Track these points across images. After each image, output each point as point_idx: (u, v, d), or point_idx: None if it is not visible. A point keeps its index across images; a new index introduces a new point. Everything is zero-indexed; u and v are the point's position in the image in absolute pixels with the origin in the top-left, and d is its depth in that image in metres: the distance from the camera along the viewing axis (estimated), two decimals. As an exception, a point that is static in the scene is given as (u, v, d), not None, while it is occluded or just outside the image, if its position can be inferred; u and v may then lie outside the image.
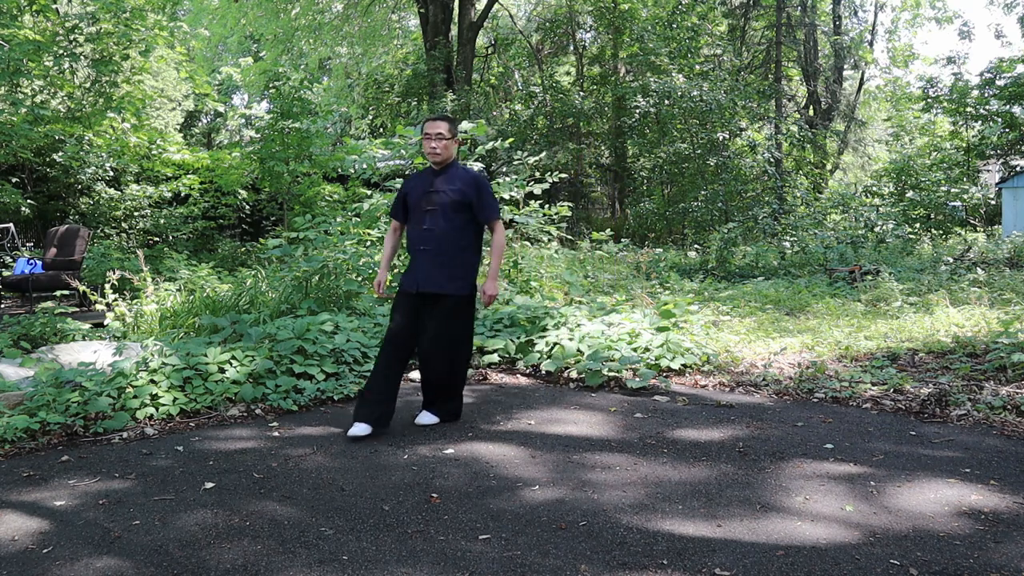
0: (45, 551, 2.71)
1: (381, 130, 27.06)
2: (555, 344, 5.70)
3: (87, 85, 10.97)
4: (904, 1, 28.68)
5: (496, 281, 4.14)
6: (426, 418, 4.28)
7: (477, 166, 8.09)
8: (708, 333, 6.52)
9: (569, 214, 9.74)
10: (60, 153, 12.15)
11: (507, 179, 8.44)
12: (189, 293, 6.92)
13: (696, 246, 16.15)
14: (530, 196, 9.42)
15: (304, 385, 4.90)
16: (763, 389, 5.04)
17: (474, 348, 5.86)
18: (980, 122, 20.09)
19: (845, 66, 27.84)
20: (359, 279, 7.24)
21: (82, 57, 10.12)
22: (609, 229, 13.63)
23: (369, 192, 10.88)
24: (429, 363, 4.18)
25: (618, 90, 21.05)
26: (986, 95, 19.64)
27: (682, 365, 5.51)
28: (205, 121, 31.21)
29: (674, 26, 20.24)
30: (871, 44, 28.67)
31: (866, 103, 29.78)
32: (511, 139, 12.76)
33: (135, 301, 6.71)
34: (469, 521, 2.91)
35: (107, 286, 6.80)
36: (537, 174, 10.03)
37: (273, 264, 8.05)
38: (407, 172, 10.98)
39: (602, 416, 4.44)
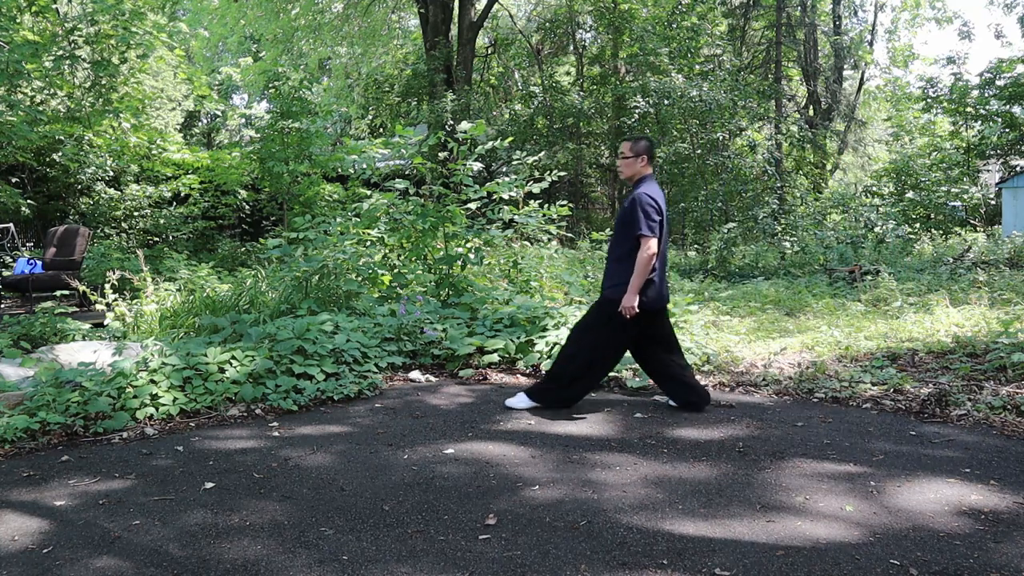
0: (45, 551, 2.71)
1: (381, 130, 27.05)
2: (555, 344, 5.69)
3: (87, 85, 10.96)
4: (904, 1, 28.68)
5: (632, 294, 4.34)
6: None
7: (476, 166, 8.08)
8: (708, 333, 6.52)
9: (569, 213, 9.73)
10: (59, 153, 12.15)
11: (507, 179, 8.43)
12: (189, 293, 6.92)
13: (696, 246, 16.13)
14: (529, 196, 9.42)
15: (304, 385, 4.90)
16: (763, 389, 5.04)
17: (475, 347, 5.87)
18: (980, 122, 20.04)
19: (845, 66, 27.82)
20: (359, 279, 7.24)
21: (81, 58, 10.10)
22: (609, 229, 13.62)
23: (369, 192, 10.87)
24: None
25: (618, 90, 21.03)
26: (986, 95, 19.59)
27: (682, 365, 5.50)
28: (205, 121, 31.18)
29: (674, 26, 20.21)
30: (871, 44, 28.66)
31: (866, 103, 29.75)
32: (511, 139, 12.75)
33: (135, 301, 6.71)
34: (469, 521, 2.91)
35: (107, 286, 6.81)
36: (537, 174, 10.02)
37: (273, 264, 8.04)
38: (407, 172, 10.99)
39: (602, 416, 4.44)
